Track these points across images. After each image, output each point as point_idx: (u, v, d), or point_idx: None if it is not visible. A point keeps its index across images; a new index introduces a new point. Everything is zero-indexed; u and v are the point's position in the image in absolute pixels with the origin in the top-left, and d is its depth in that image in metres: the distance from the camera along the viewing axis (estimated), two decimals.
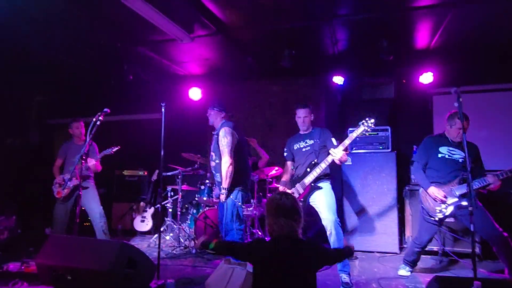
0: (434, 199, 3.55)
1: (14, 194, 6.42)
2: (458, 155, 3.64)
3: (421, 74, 5.35)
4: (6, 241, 4.92)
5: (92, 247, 2.73)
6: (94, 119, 3.82)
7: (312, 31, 4.65)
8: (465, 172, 3.42)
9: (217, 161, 3.92)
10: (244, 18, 4.32)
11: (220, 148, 3.84)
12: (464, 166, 3.56)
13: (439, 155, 3.69)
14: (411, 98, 5.72)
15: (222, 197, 3.79)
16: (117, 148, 4.57)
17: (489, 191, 3.70)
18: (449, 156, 3.65)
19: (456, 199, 3.48)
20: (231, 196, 3.83)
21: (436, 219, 3.58)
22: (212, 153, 3.97)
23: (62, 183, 4.61)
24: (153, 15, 3.90)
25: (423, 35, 4.69)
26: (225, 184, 3.76)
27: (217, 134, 3.92)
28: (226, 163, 3.76)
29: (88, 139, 4.12)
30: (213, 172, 4.02)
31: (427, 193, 3.62)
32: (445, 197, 3.50)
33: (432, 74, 5.31)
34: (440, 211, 3.54)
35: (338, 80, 5.63)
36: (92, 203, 4.71)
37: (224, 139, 3.82)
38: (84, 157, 3.93)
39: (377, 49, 4.72)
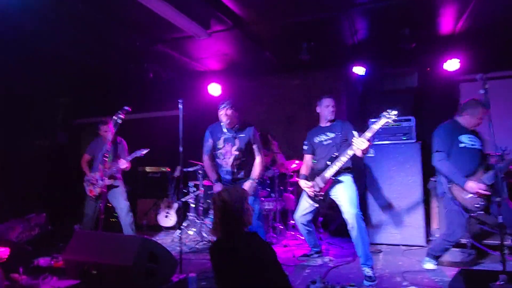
0: (474, 194, 3.34)
1: (44, 192, 6.67)
2: (476, 143, 3.51)
3: (446, 61, 5.16)
4: (37, 237, 5.11)
5: (114, 242, 2.80)
6: (115, 117, 3.90)
7: (330, 22, 4.57)
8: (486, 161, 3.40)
9: (244, 159, 3.92)
10: (260, 12, 4.29)
11: (258, 146, 3.92)
12: (483, 155, 3.49)
13: (461, 145, 3.50)
14: (435, 87, 5.54)
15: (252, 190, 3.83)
16: (146, 151, 4.67)
17: None
18: (470, 145, 3.48)
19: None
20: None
21: (477, 213, 3.42)
22: (237, 152, 3.89)
23: (95, 183, 4.74)
24: (169, 12, 3.93)
25: (447, 20, 4.52)
26: (256, 177, 3.86)
27: (245, 134, 3.89)
28: (263, 161, 3.94)
29: (110, 138, 4.25)
30: (234, 170, 3.99)
31: (464, 188, 3.38)
32: (486, 189, 3.29)
33: (458, 60, 5.10)
34: (479, 204, 3.38)
35: (359, 70, 5.51)
36: (120, 200, 4.80)
37: (258, 138, 3.93)
38: (106, 155, 4.02)
39: (398, 37, 4.60)
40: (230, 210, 2.18)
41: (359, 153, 3.52)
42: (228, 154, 3.94)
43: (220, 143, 3.95)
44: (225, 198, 2.21)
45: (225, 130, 3.90)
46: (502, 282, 1.89)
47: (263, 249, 2.12)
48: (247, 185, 3.82)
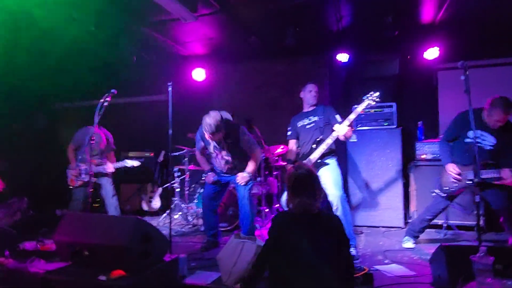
0: (449, 175, 3.56)
1: (23, 177, 6.51)
2: (487, 142, 3.47)
3: (426, 50, 5.31)
4: (19, 222, 5.03)
5: (107, 223, 2.81)
6: (101, 101, 3.85)
7: (317, 7, 4.61)
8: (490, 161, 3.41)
9: (235, 161, 3.99)
10: None
11: (249, 145, 3.94)
12: (491, 154, 3.44)
13: (466, 140, 3.55)
14: (415, 74, 5.69)
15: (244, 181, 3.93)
16: (138, 164, 4.79)
17: None
18: (475, 142, 3.28)
19: (469, 182, 3.45)
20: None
21: (445, 195, 3.64)
22: (227, 157, 3.96)
23: (78, 176, 4.69)
24: None
25: (429, 9, 4.65)
26: (250, 172, 3.95)
27: (232, 140, 3.90)
28: (260, 153, 4.06)
29: (95, 121, 4.19)
30: (227, 171, 4.07)
31: (444, 168, 3.61)
32: (459, 174, 3.50)
33: (437, 49, 5.25)
34: (449, 188, 3.59)
35: (343, 57, 5.61)
36: (105, 186, 4.81)
37: (247, 137, 3.93)
38: (93, 139, 3.97)
39: (382, 25, 4.70)
40: (314, 181, 2.22)
41: (342, 138, 3.66)
42: (219, 158, 4.01)
43: (211, 148, 4.01)
44: (310, 170, 2.25)
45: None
46: (482, 254, 2.04)
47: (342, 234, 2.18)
48: (239, 176, 3.92)
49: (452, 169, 3.53)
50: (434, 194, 3.72)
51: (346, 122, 3.64)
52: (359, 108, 3.63)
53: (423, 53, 5.35)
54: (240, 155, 3.98)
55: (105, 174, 4.80)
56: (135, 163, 4.75)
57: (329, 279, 2.00)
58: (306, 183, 2.20)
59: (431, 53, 5.28)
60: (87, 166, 4.53)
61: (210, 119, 3.64)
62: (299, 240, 2.08)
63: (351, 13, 4.79)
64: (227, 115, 3.99)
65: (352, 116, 3.62)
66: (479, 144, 3.40)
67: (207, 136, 3.76)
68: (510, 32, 5.22)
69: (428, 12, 4.73)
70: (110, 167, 4.74)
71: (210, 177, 4.06)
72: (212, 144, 3.96)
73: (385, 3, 4.47)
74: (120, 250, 2.57)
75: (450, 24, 5.02)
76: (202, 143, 4.07)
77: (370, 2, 4.47)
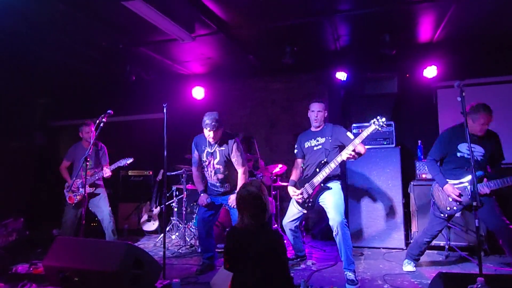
0: (448, 197, 3.50)
1: (20, 196, 6.48)
2: (477, 152, 3.47)
3: (425, 68, 5.30)
4: (14, 243, 4.98)
5: (98, 248, 2.76)
6: (97, 121, 3.85)
7: (314, 27, 4.62)
8: (482, 171, 3.41)
9: (226, 172, 3.95)
10: (245, 16, 4.30)
11: (237, 159, 3.90)
12: (482, 164, 3.46)
13: (458, 154, 3.53)
14: (414, 92, 5.68)
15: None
16: (131, 160, 4.65)
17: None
18: (467, 155, 3.43)
19: (469, 198, 3.42)
20: None
21: (445, 216, 3.56)
22: (219, 166, 3.93)
23: (76, 191, 4.66)
24: (154, 16, 3.90)
25: (426, 29, 4.65)
26: None
27: (225, 148, 3.90)
28: (246, 172, 3.97)
29: (92, 141, 4.20)
30: (218, 184, 4.01)
31: (442, 190, 3.54)
32: (460, 195, 3.44)
33: (436, 67, 5.25)
34: (451, 209, 3.52)
35: (341, 76, 5.60)
36: (101, 206, 4.75)
37: (239, 151, 3.91)
38: (88, 159, 3.95)
39: (380, 43, 4.70)
40: (259, 199, 2.36)
41: (353, 156, 3.54)
42: (210, 167, 3.97)
43: (204, 156, 4.00)
44: (252, 190, 2.39)
45: (208, 143, 3.94)
46: (479, 285, 1.97)
47: (277, 245, 2.31)
48: (231, 198, 3.89)
49: (452, 190, 3.46)
50: (441, 216, 3.61)
51: (351, 147, 3.51)
52: (365, 133, 3.46)
53: (421, 71, 5.35)
54: (231, 167, 3.95)
55: (98, 194, 4.74)
56: (129, 160, 4.64)
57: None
58: (246, 202, 2.37)
59: (430, 72, 5.28)
60: (82, 179, 4.47)
61: (210, 115, 3.75)
62: (243, 251, 2.29)
63: (349, 32, 4.80)
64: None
65: (357, 141, 3.50)
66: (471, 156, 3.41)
67: (208, 134, 3.77)
68: (507, 49, 5.23)
69: (425, 32, 4.73)
70: (106, 172, 4.67)
71: (203, 199, 4.01)
72: (205, 151, 3.96)
73: (382, 22, 4.48)
74: (111, 275, 2.51)
75: (448, 42, 5.03)
76: (197, 153, 4.05)
77: (367, 22, 4.48)
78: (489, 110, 3.38)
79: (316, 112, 3.86)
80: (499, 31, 4.76)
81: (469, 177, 3.46)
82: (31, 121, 7.26)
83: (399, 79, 5.71)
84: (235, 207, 3.81)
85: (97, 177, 4.69)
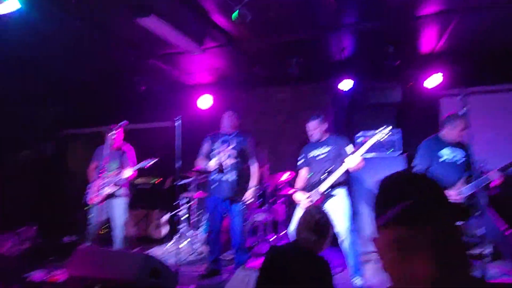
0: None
1: (32, 204, 6.59)
2: (458, 155, 3.65)
3: (427, 77, 5.40)
4: (28, 251, 5.08)
5: (117, 258, 2.87)
6: (114, 131, 3.98)
7: (319, 40, 4.77)
8: (468, 173, 3.53)
9: (238, 159, 4.17)
10: (253, 30, 4.44)
11: (252, 153, 4.27)
12: (466, 167, 3.60)
13: (441, 159, 3.67)
14: (418, 101, 5.78)
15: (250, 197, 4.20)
16: (154, 161, 4.57)
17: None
18: (451, 159, 3.64)
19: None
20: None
21: None
22: (233, 151, 4.17)
23: (98, 190, 4.56)
24: (165, 31, 4.02)
25: (429, 40, 4.79)
26: (257, 183, 4.27)
27: (243, 138, 4.28)
28: (258, 168, 4.31)
29: (112, 144, 4.45)
30: (227, 169, 4.16)
31: None
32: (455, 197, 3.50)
33: (441, 74, 5.30)
34: None
35: (346, 85, 5.71)
36: (119, 211, 4.66)
37: (254, 145, 4.30)
38: (106, 161, 4.01)
39: (383, 54, 4.83)
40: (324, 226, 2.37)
41: (352, 170, 3.68)
42: (223, 152, 4.17)
43: (217, 144, 4.24)
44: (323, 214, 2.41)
45: (224, 133, 4.28)
46: None
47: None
48: (249, 192, 4.15)
49: (453, 193, 3.54)
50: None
51: (358, 153, 3.62)
52: (370, 143, 3.55)
53: (424, 81, 5.45)
54: (243, 159, 4.22)
55: (116, 196, 4.66)
56: (153, 161, 4.58)
57: None
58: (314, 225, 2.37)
59: (432, 82, 5.38)
60: (105, 180, 4.50)
61: (229, 112, 4.33)
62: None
63: (353, 44, 4.93)
64: None
65: (361, 151, 3.60)
66: (455, 159, 3.63)
67: (227, 124, 4.24)
68: (509, 58, 5.34)
69: (428, 43, 4.87)
70: (128, 172, 4.56)
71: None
72: (220, 140, 4.25)
73: (386, 35, 4.61)
74: (130, 285, 2.62)
75: (450, 52, 5.15)
76: (207, 144, 4.35)
77: (371, 34, 4.61)
78: (465, 118, 3.53)
79: (311, 131, 4.00)
80: (501, 41, 4.88)
81: (459, 182, 3.54)
82: (41, 129, 7.39)
83: (403, 89, 5.83)
84: (251, 199, 4.17)
85: (117, 178, 4.58)
